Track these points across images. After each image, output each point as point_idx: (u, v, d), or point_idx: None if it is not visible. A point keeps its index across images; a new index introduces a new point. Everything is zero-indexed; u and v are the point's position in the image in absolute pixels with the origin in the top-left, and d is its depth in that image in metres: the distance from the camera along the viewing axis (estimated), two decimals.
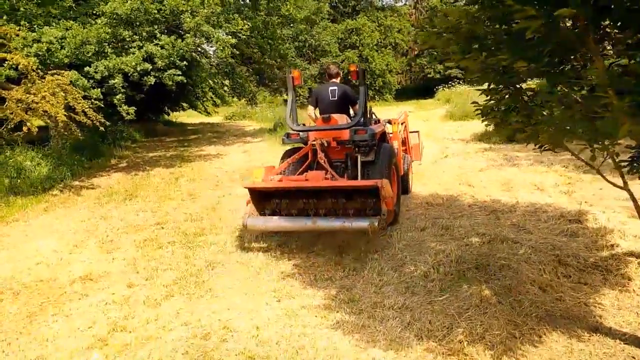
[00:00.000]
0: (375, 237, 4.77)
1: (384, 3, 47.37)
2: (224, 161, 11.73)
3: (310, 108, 5.82)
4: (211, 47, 19.62)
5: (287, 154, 5.48)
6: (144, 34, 9.87)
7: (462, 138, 11.66)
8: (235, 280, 4.25)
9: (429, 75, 49.11)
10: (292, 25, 14.40)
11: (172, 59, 9.80)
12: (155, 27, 10.05)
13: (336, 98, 5.53)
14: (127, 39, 9.69)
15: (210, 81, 24.90)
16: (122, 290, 4.25)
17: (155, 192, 8.35)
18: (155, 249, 5.19)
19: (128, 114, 9.41)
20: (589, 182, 6.33)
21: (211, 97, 28.46)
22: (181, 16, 9.78)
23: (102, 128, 8.22)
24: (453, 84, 33.55)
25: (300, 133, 5.26)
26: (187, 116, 34.78)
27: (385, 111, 30.97)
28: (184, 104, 28.16)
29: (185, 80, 10.28)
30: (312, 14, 15.31)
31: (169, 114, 30.61)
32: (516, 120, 3.00)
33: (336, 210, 4.57)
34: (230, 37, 9.93)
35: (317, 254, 4.70)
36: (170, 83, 10.08)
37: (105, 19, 9.47)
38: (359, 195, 4.49)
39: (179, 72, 10.07)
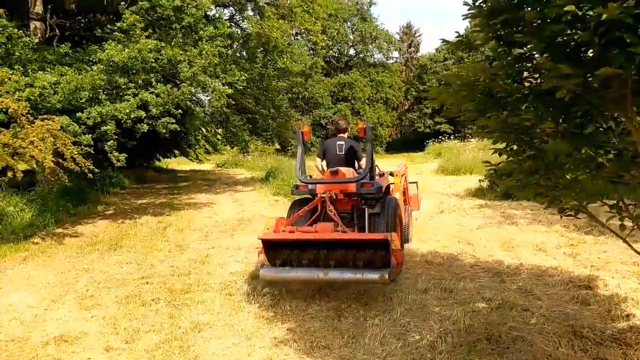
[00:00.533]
0: (375, 299, 4.52)
1: (375, 60, 48.63)
2: (214, 210, 11.44)
3: (318, 160, 6.11)
4: (206, 96, 19.77)
5: (295, 205, 5.68)
6: (140, 81, 9.80)
7: (456, 193, 11.54)
8: (224, 346, 3.90)
9: (418, 129, 49.95)
10: (287, 77, 14.53)
11: (167, 107, 9.71)
12: (152, 75, 10.01)
13: (343, 152, 5.78)
14: (122, 86, 9.61)
15: (203, 129, 25.01)
16: (98, 355, 3.87)
17: (141, 242, 8.01)
18: (138, 307, 4.82)
19: (119, 160, 9.19)
20: (592, 244, 6.14)
21: (203, 145, 28.52)
22: (178, 65, 9.77)
23: (90, 175, 7.95)
24: (443, 138, 34.01)
25: (309, 185, 5.42)
26: (177, 163, 34.65)
27: (377, 163, 31.17)
28: (176, 151, 28.14)
29: (179, 129, 10.15)
30: (307, 68, 15.52)
31: (160, 160, 30.49)
32: (536, 183, 2.81)
33: (346, 261, 4.60)
34: (226, 87, 9.91)
35: (313, 317, 4.38)
36: (164, 131, 9.94)
37: (102, 66, 9.42)
38: (368, 247, 4.54)
39: (173, 120, 9.96)
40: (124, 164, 9.39)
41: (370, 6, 46.35)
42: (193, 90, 9.71)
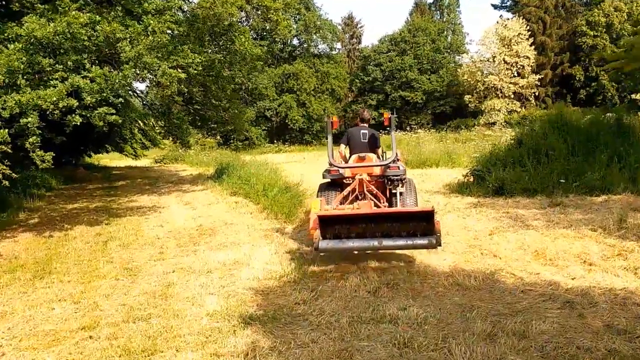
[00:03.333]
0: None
1: (320, 50, 47.42)
2: (163, 216, 9.77)
3: (342, 146, 6.87)
4: (146, 84, 17.65)
5: (323, 187, 6.50)
6: (70, 63, 7.97)
7: (436, 190, 10.56)
8: None
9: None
10: (240, 63, 12.92)
11: (105, 94, 7.95)
12: (85, 55, 8.19)
13: (367, 140, 6.60)
14: (48, 69, 7.75)
15: (140, 122, 22.72)
16: None
17: (76, 264, 6.33)
18: None
19: (43, 161, 7.37)
20: None
21: (140, 139, 26.16)
22: (118, 44, 8.03)
23: (6, 182, 6.14)
24: (382, 131, 33.45)
25: (340, 169, 6.20)
26: (110, 159, 31.85)
27: (323, 155, 30.02)
28: (109, 146, 25.65)
29: (120, 120, 8.42)
30: (264, 54, 14.04)
31: (90, 156, 27.78)
32: None
33: (391, 233, 5.17)
34: (178, 70, 8.28)
35: None
36: (101, 123, 8.18)
37: (20, 45, 7.53)
38: (413, 219, 5.16)
39: (113, 111, 8.21)
40: (50, 165, 7.57)
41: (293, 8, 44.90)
42: (138, 73, 7.99)
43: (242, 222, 8.37)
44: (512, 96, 43.30)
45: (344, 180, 6.18)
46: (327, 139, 6.64)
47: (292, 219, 8.06)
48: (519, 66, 42.81)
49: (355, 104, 50.29)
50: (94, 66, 8.03)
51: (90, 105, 7.85)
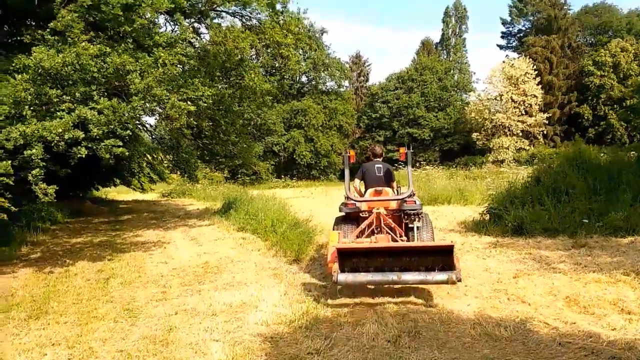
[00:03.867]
0: None
1: (328, 87, 47.93)
2: (168, 252, 9.43)
3: (357, 181, 6.92)
4: (155, 118, 17.66)
5: (340, 220, 6.47)
6: (78, 94, 7.85)
7: (451, 228, 10.19)
8: None
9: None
10: (251, 97, 12.85)
11: (112, 126, 7.79)
12: (93, 87, 8.08)
13: (382, 174, 6.71)
14: (55, 100, 7.63)
15: (148, 156, 22.66)
16: None
17: (75, 303, 5.97)
18: None
19: (46, 194, 7.13)
20: None
21: (148, 173, 26.07)
22: (127, 76, 7.91)
23: (4, 216, 5.87)
24: (397, 166, 33.28)
25: (356, 203, 6.26)
26: (117, 192, 31.72)
27: (331, 191, 29.64)
28: (116, 180, 25.54)
29: (127, 153, 8.21)
30: (274, 90, 13.99)
31: (98, 190, 27.66)
32: None
33: (409, 267, 5.16)
34: (188, 103, 8.11)
35: None
36: (108, 156, 7.98)
37: (27, 75, 7.44)
38: (431, 254, 5.16)
39: (120, 143, 8.02)
40: (53, 198, 7.32)
41: (322, 34, 45.72)
42: (148, 106, 7.83)
43: (250, 260, 8.01)
44: (520, 134, 43.20)
45: (360, 214, 6.26)
46: (344, 172, 6.78)
47: (302, 257, 7.69)
48: (526, 105, 42.85)
49: (362, 140, 50.39)
50: (102, 98, 7.90)
51: (97, 137, 7.68)
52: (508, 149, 42.47)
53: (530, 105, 42.68)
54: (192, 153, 17.98)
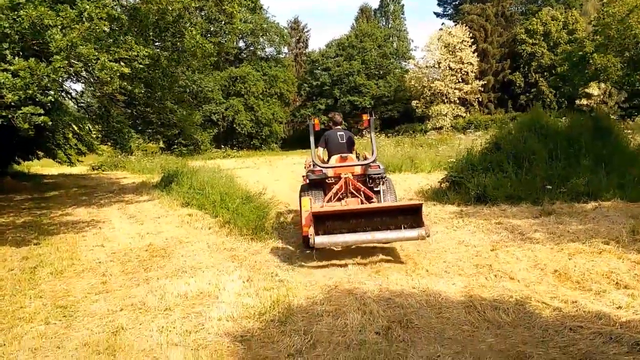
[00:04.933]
0: None
1: (267, 53, 46.33)
2: (104, 233, 8.43)
3: (320, 149, 6.92)
4: (80, 82, 15.97)
5: (306, 188, 6.55)
6: None
7: (409, 197, 9.84)
8: None
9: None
10: (189, 60, 11.68)
11: (31, 92, 6.61)
12: (5, 45, 6.81)
13: (344, 141, 6.83)
14: None
15: (75, 126, 20.78)
16: None
17: None
18: None
19: None
20: None
21: (75, 144, 24.01)
22: (47, 32, 6.70)
23: None
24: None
25: (323, 169, 6.40)
26: (42, 166, 29.18)
27: (275, 161, 28.88)
28: (40, 152, 23.34)
29: (49, 122, 7.05)
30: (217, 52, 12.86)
31: (19, 164, 25.22)
32: None
33: (380, 227, 5.48)
34: (121, 64, 7.01)
35: None
36: (27, 126, 6.82)
37: None
38: (401, 214, 5.51)
39: (41, 111, 6.86)
40: None
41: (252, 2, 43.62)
42: (73, 67, 6.66)
43: (201, 240, 7.22)
44: (457, 101, 44.04)
45: (327, 180, 6.43)
46: (310, 140, 6.79)
47: (261, 235, 6.99)
48: (463, 72, 43.58)
49: (304, 108, 49.50)
50: (16, 58, 6.66)
51: (13, 104, 6.51)
52: (446, 116, 43.25)
53: (467, 73, 43.46)
54: (124, 122, 16.53)
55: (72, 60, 6.69)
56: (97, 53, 6.73)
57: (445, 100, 43.78)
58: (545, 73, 43.68)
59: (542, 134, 9.06)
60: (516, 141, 9.05)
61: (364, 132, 24.86)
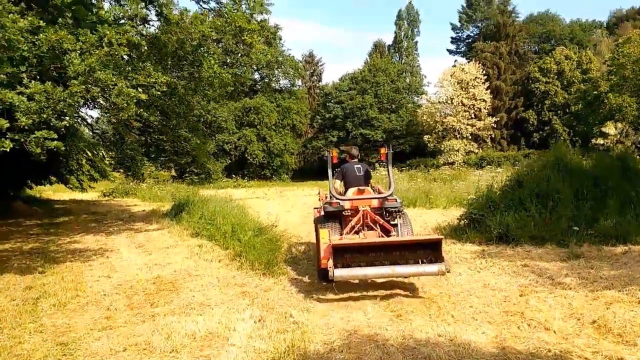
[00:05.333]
0: None
1: (281, 85, 46.83)
2: (111, 263, 8.17)
3: (338, 182, 6.90)
4: (95, 109, 16.02)
5: (322, 220, 6.43)
6: (2, 76, 6.52)
7: (426, 234, 9.47)
8: None
9: (325, 158, 48.55)
10: (206, 89, 11.66)
11: (45, 115, 6.50)
12: (23, 68, 6.74)
13: (362, 174, 6.87)
14: None
15: (88, 152, 20.85)
16: None
17: None
18: None
19: None
20: None
21: (88, 171, 24.07)
22: (65, 57, 6.64)
23: None
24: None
25: (340, 202, 6.30)
26: (54, 191, 29.25)
27: (286, 191, 28.65)
28: (52, 177, 23.40)
29: (63, 147, 6.91)
30: (234, 82, 12.88)
31: (31, 188, 25.29)
32: None
33: (398, 261, 5.42)
34: (139, 90, 6.90)
35: None
36: (39, 150, 6.67)
37: None
38: (421, 248, 5.46)
39: (54, 136, 6.73)
40: None
41: (276, 32, 44.41)
42: (90, 92, 6.55)
43: (210, 273, 6.92)
44: (470, 137, 43.89)
45: (343, 213, 6.36)
46: (328, 173, 6.80)
47: (273, 270, 6.68)
48: (475, 109, 43.58)
49: (315, 140, 49.68)
50: (33, 81, 6.58)
51: (26, 128, 6.38)
52: (458, 151, 43.05)
53: (480, 110, 43.44)
54: (137, 149, 16.49)
55: (90, 85, 6.58)
56: (114, 79, 6.64)
57: (458, 136, 43.66)
58: (559, 111, 43.56)
59: (565, 172, 8.76)
60: (539, 179, 8.74)
61: (376, 165, 24.84)
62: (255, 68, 42.75)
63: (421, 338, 4.18)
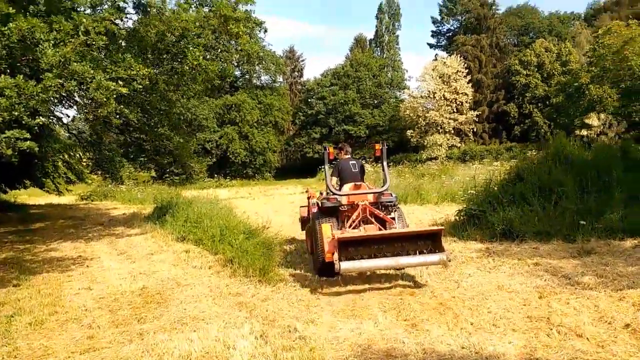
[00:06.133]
0: None
1: (262, 82, 46.17)
2: (92, 273, 7.60)
3: (334, 178, 6.92)
4: (71, 107, 15.28)
5: (318, 215, 6.48)
6: None
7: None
8: None
9: (307, 155, 48.17)
10: (188, 84, 11.09)
11: (17, 113, 5.93)
12: None
13: (357, 170, 7.01)
14: None
15: (65, 154, 20.01)
16: None
17: None
18: None
19: None
20: None
21: (64, 173, 23.17)
22: (37, 47, 6.07)
23: None
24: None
25: (337, 197, 6.44)
26: (28, 195, 28.19)
27: (270, 190, 28.13)
28: (27, 181, 22.46)
29: (36, 148, 6.33)
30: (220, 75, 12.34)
31: (6, 192, 24.29)
32: None
33: (400, 252, 5.60)
34: (119, 83, 6.34)
35: None
36: (10, 152, 6.10)
37: None
38: (422, 239, 5.71)
39: (27, 135, 6.16)
40: None
41: (257, 26, 43.62)
42: (65, 86, 5.97)
43: (201, 283, 6.42)
44: (452, 132, 43.88)
45: (340, 208, 6.45)
46: (324, 169, 7.03)
47: (270, 277, 6.21)
48: (457, 102, 43.56)
49: (298, 137, 49.17)
50: (3, 75, 6.00)
51: None
52: (441, 146, 43.02)
53: (462, 103, 43.45)
54: (116, 150, 15.81)
55: (65, 79, 6.01)
56: (92, 71, 6.08)
57: (440, 130, 43.60)
58: (540, 104, 43.80)
59: (567, 164, 8.47)
60: (540, 172, 8.44)
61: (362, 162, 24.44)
62: (236, 64, 41.95)
63: (444, 351, 3.78)
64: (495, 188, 8.90)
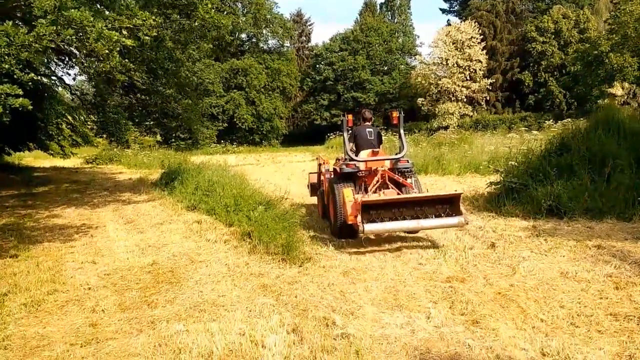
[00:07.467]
0: None
1: (270, 46, 44.74)
2: (97, 244, 6.97)
3: (351, 144, 7.02)
4: (74, 69, 14.43)
5: (335, 180, 6.66)
6: None
7: None
8: None
9: (315, 122, 47.12)
10: (198, 39, 10.19)
11: (7, 65, 5.15)
12: None
13: (373, 137, 7.11)
14: None
15: (69, 116, 19.23)
16: None
17: None
18: None
19: None
20: None
21: (69, 136, 22.43)
22: None
23: None
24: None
25: (356, 163, 6.54)
26: (34, 157, 27.59)
27: (278, 157, 27.38)
28: (31, 144, 21.81)
29: (30, 108, 5.56)
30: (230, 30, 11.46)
31: (10, 154, 23.66)
32: None
33: (419, 216, 5.75)
34: (124, 33, 5.52)
35: None
36: (0, 109, 5.35)
37: None
38: (440, 203, 5.86)
39: (19, 91, 5.39)
40: None
41: None
42: (62, 35, 5.15)
43: (217, 259, 5.76)
44: (465, 100, 42.64)
45: (357, 174, 6.52)
46: (343, 136, 6.99)
47: (295, 255, 5.52)
48: (471, 70, 42.15)
49: (305, 103, 48.02)
50: None
51: None
52: (453, 114, 41.87)
53: (475, 71, 42.03)
54: (121, 112, 15.03)
55: (61, 27, 5.20)
56: (92, 18, 5.26)
57: (452, 99, 42.35)
58: (556, 72, 42.33)
59: (618, 134, 7.66)
60: (589, 142, 7.63)
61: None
62: (242, 28, 40.45)
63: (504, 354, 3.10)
64: (536, 159, 8.10)
